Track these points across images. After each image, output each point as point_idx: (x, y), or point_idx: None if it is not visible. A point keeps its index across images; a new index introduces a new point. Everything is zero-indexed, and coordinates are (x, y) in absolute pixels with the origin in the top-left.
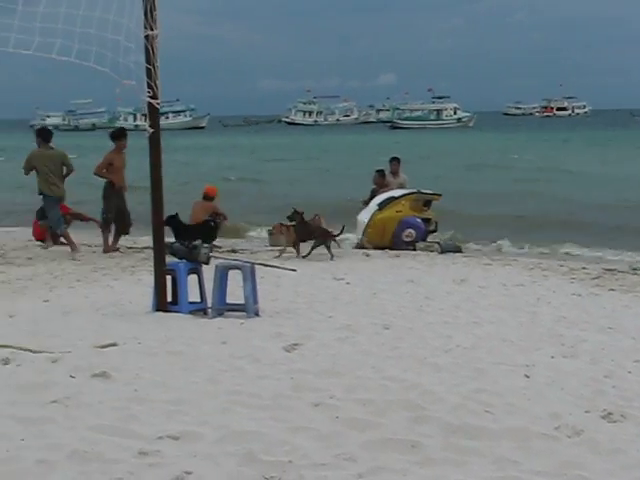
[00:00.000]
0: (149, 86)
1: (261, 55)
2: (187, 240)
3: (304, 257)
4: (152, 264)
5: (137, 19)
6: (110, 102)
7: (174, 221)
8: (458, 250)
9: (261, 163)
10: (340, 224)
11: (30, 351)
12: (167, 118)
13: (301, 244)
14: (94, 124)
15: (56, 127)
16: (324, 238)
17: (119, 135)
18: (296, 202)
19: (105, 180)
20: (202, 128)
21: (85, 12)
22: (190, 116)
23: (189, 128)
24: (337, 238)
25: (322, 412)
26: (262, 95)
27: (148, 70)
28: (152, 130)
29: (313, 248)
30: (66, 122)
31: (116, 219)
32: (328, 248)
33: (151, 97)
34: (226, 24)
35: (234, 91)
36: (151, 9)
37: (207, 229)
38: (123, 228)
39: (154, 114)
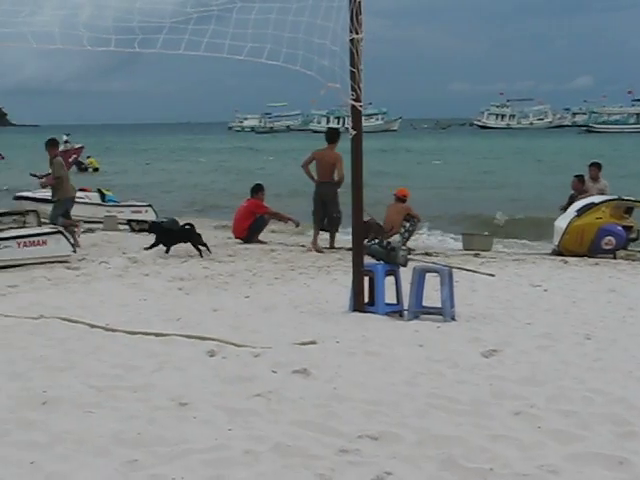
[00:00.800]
0: (352, 89)
1: (452, 58)
2: (170, 244)
3: None
4: (347, 264)
5: (343, 23)
6: (304, 105)
7: (156, 228)
8: None
9: (442, 167)
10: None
11: (234, 345)
12: None
13: None
14: (288, 126)
15: (252, 129)
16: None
17: (337, 136)
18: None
19: (331, 183)
20: (394, 131)
21: (294, 17)
22: (382, 119)
23: (381, 131)
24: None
25: (523, 421)
26: (453, 98)
27: (352, 73)
28: (355, 132)
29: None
30: (262, 124)
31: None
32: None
33: (354, 100)
34: (415, 28)
35: (425, 94)
36: (357, 13)
37: (186, 233)
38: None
39: (357, 116)
